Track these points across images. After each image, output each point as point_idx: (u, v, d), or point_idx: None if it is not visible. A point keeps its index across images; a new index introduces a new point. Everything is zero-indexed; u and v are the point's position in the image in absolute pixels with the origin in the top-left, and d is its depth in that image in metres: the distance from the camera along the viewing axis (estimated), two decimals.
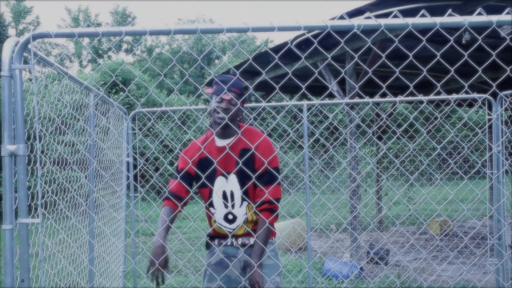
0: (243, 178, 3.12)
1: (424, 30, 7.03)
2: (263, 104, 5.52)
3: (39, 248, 2.47)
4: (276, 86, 2.26)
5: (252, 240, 3.22)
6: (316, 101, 5.88)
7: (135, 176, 5.83)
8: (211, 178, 3.17)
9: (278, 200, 3.13)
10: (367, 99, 5.25)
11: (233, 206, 3.19)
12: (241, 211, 3.19)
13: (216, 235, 3.33)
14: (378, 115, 12.25)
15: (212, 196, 3.21)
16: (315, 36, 7.18)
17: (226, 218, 3.22)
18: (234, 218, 3.21)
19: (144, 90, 21.71)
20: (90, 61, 44.06)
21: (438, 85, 2.12)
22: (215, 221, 3.27)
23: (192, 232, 11.49)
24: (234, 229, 3.22)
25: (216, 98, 3.10)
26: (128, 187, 5.94)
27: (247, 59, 9.36)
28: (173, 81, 39.85)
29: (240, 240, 3.25)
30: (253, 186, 3.13)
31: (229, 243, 3.27)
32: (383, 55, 2.52)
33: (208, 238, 3.40)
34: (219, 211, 3.22)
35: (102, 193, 4.79)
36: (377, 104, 11.63)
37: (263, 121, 21.32)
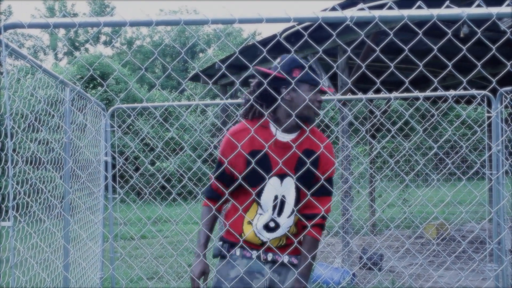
0: (301, 184, 2.85)
1: (420, 22, 7.06)
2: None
3: (10, 254, 2.45)
4: (264, 81, 2.25)
5: (286, 258, 2.97)
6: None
7: (114, 176, 5.81)
8: (264, 177, 2.83)
9: (328, 215, 2.97)
10: (360, 95, 5.27)
11: (279, 213, 2.90)
12: (287, 222, 2.92)
13: (236, 243, 2.96)
14: (371, 112, 12.30)
15: (261, 199, 2.87)
16: (305, 29, 7.19)
17: (266, 226, 2.91)
18: (276, 227, 2.92)
19: (124, 85, 21.63)
20: (66, 53, 43.81)
21: (435, 80, 2.13)
22: (249, 223, 2.93)
23: (174, 236, 11.47)
24: (269, 240, 2.92)
25: (312, 88, 2.79)
26: (106, 188, 5.91)
27: (233, 53, 9.36)
28: (154, 75, 39.75)
29: (270, 255, 2.96)
30: (306, 195, 2.87)
31: (254, 256, 2.95)
32: (377, 49, 2.53)
33: (223, 243, 3.02)
34: (262, 216, 2.90)
35: (78, 195, 4.76)
36: (371, 100, 11.67)
37: None
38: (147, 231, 11.84)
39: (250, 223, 2.92)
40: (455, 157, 12.99)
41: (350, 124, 8.78)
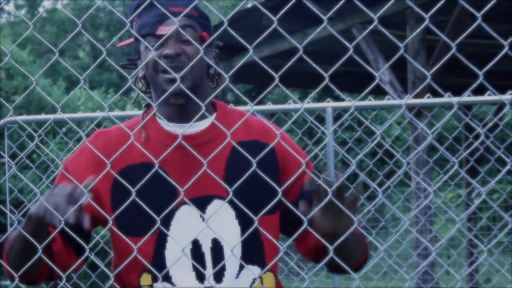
0: (248, 209, 2.41)
1: None
2: (251, 107, 5.52)
3: None
4: (274, 74, 2.24)
5: None
6: (349, 102, 5.90)
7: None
8: (162, 211, 2.45)
9: None
10: (447, 98, 5.27)
11: (218, 276, 2.56)
12: (240, 284, 2.58)
13: None
14: (469, 127, 12.30)
15: (165, 256, 2.56)
16: None
17: None
18: None
19: (22, 81, 21.75)
20: None
21: None
22: None
23: None
24: None
25: (151, 40, 2.60)
26: None
27: (218, 23, 9.38)
28: (77, 63, 39.92)
29: None
30: (277, 228, 2.67)
31: None
32: (479, 15, 2.51)
33: None
34: None
35: None
36: (467, 107, 11.65)
37: None
38: None
39: None
40: None
41: (431, 149, 8.68)
